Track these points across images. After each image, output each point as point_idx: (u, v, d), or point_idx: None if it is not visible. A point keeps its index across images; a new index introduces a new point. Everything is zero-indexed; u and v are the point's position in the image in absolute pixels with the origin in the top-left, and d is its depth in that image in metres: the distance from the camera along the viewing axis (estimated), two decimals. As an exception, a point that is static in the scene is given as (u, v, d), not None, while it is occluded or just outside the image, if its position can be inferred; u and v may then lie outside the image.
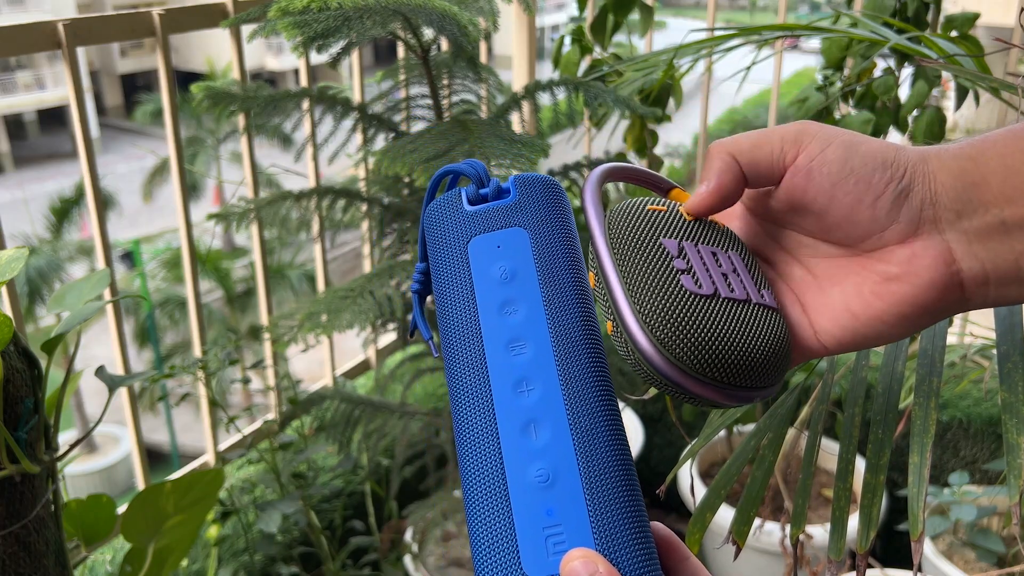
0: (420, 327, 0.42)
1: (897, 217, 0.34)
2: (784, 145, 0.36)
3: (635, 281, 0.35)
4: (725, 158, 0.37)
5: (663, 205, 0.39)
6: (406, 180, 1.22)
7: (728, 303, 0.35)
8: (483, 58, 1.54)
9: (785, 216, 0.38)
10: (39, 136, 18.87)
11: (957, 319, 1.62)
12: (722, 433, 1.79)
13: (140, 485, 1.30)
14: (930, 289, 0.34)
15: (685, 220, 0.38)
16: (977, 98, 1.21)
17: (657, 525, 0.35)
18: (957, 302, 0.35)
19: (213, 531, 1.27)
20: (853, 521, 0.62)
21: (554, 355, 0.34)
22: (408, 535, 1.49)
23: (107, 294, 1.11)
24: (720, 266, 0.37)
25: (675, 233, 0.37)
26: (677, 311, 0.34)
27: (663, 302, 0.34)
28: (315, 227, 1.27)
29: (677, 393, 0.35)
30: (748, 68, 1.20)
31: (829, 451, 1.68)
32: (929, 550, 1.44)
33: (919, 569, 0.49)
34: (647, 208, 0.38)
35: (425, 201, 0.40)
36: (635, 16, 1.53)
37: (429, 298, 0.41)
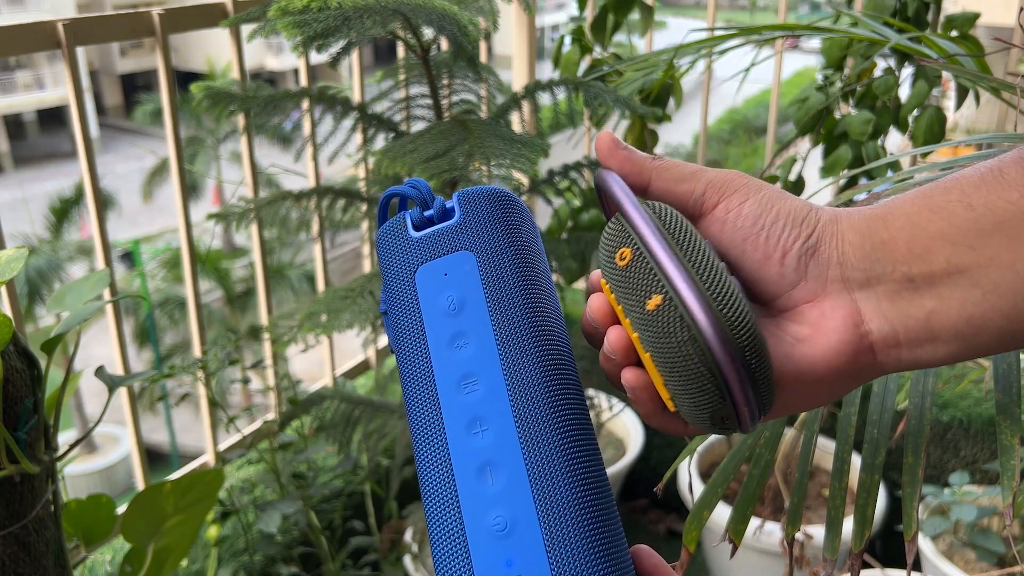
0: (393, 349, 0.41)
1: (805, 275, 0.34)
2: (708, 189, 0.36)
3: (699, 263, 0.33)
4: (642, 163, 0.37)
5: None
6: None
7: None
8: (483, 58, 1.54)
9: None
10: (39, 136, 18.87)
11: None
12: (722, 433, 1.79)
13: (140, 485, 1.30)
14: (839, 352, 0.33)
15: None
16: (977, 98, 1.21)
17: (644, 552, 0.34)
18: (869, 365, 0.34)
19: (213, 531, 1.27)
20: (851, 521, 0.62)
21: (507, 391, 0.32)
22: (408, 535, 1.50)
23: (107, 294, 1.11)
24: None
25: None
26: (738, 301, 0.32)
27: (727, 289, 0.32)
28: (315, 227, 1.27)
29: (709, 384, 0.32)
30: (748, 68, 1.21)
31: (831, 451, 1.68)
32: (929, 550, 1.44)
33: (915, 568, 0.49)
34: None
35: (378, 227, 0.38)
36: (635, 16, 1.53)
37: None
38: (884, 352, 0.34)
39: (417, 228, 0.36)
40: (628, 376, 0.35)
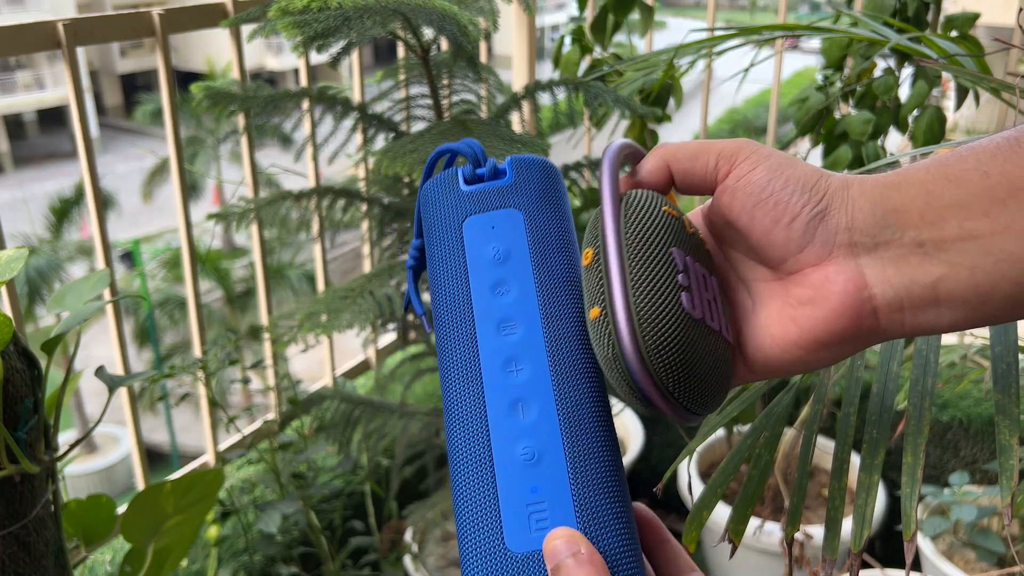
0: (414, 302, 0.42)
1: (812, 239, 0.35)
2: (719, 160, 0.37)
3: (641, 282, 0.34)
4: (659, 163, 0.38)
5: (674, 210, 0.38)
6: (406, 180, 1.22)
7: (707, 332, 0.35)
8: (483, 58, 1.54)
9: (721, 232, 0.39)
10: (39, 136, 18.87)
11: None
12: (722, 432, 1.79)
13: (140, 485, 1.30)
14: (840, 315, 0.34)
15: (686, 231, 0.38)
16: (977, 98, 1.21)
17: (639, 506, 0.36)
18: (871, 330, 0.34)
19: (213, 531, 1.28)
20: (850, 521, 0.62)
21: (544, 336, 0.35)
22: (408, 535, 1.50)
23: (107, 294, 1.11)
24: (707, 291, 0.36)
25: (681, 244, 0.36)
26: (670, 327, 0.33)
27: (661, 313, 0.33)
28: (315, 227, 1.27)
29: (633, 394, 0.34)
30: (748, 68, 1.21)
31: (830, 451, 1.67)
32: (929, 550, 1.44)
33: (915, 568, 0.49)
34: (663, 209, 0.37)
35: (422, 179, 0.40)
36: (635, 16, 1.53)
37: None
38: (887, 317, 0.34)
39: (467, 183, 0.38)
40: None
